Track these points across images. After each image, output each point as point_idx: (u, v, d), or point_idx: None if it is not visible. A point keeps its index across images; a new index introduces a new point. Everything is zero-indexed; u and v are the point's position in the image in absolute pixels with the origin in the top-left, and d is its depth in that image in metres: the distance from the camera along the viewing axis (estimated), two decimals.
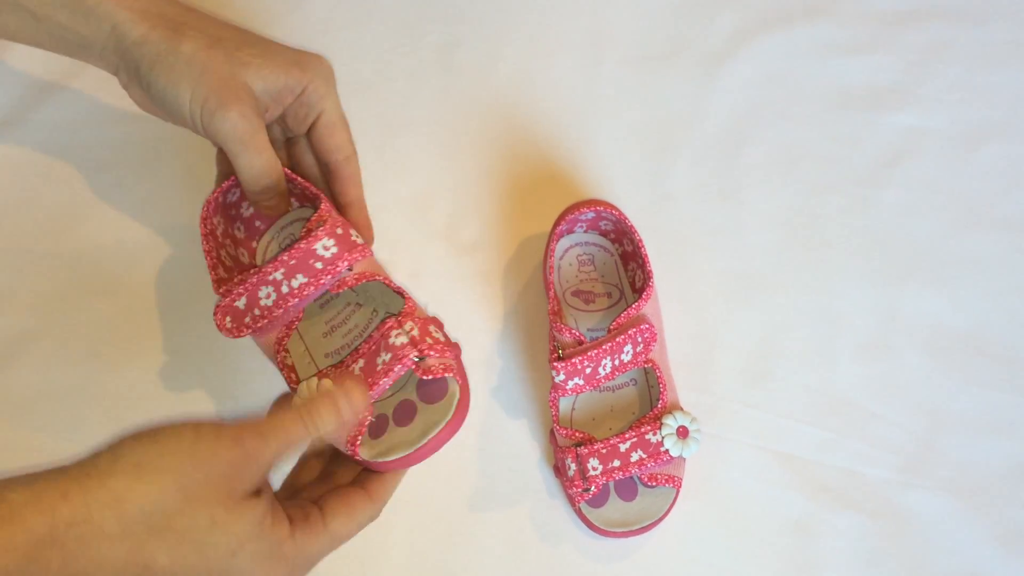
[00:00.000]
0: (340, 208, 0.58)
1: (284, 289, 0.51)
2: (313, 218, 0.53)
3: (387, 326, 0.52)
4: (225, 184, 0.55)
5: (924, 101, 0.74)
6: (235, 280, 0.53)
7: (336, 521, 0.47)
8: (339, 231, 0.53)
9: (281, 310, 0.52)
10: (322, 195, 0.55)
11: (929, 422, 0.66)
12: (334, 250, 0.52)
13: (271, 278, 0.51)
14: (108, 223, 0.67)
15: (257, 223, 0.60)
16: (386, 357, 0.51)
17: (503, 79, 0.73)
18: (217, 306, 0.52)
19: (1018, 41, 0.75)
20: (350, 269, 0.53)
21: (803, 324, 0.68)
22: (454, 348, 0.54)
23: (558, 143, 0.72)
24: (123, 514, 0.40)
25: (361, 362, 0.52)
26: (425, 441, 0.50)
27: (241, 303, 0.52)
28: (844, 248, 0.70)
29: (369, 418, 0.51)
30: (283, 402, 0.54)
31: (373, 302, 0.58)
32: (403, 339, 0.51)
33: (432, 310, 0.66)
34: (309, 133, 0.57)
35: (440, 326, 0.55)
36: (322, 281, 0.51)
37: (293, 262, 0.51)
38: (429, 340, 0.52)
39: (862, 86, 0.74)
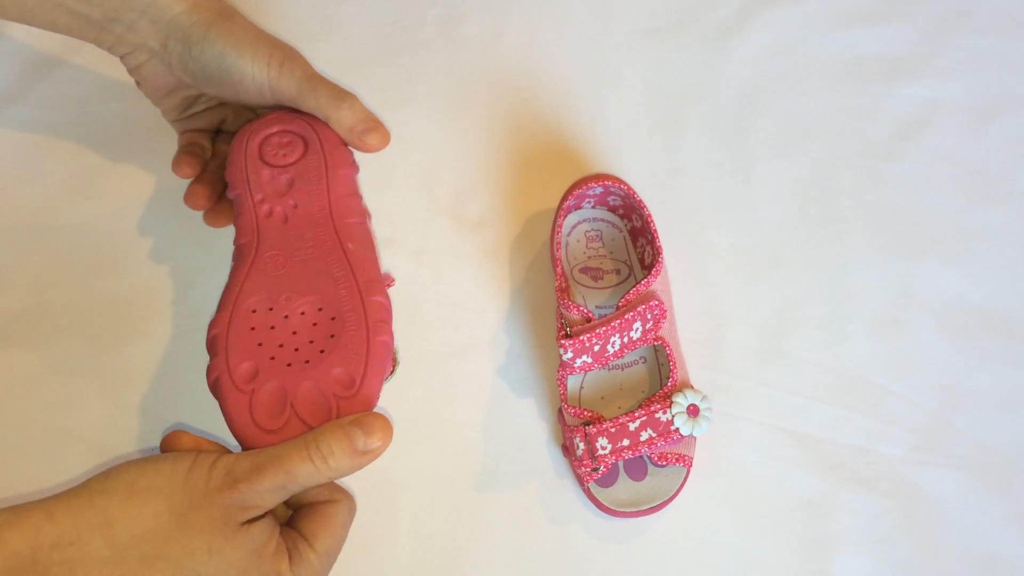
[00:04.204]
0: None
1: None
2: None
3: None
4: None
5: (939, 72, 0.73)
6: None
7: (322, 543, 0.44)
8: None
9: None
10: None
11: (944, 399, 0.65)
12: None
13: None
14: (108, 200, 0.67)
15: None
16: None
17: (508, 52, 0.72)
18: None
19: None
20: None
21: (816, 300, 0.67)
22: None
23: (565, 117, 0.71)
24: (114, 538, 0.39)
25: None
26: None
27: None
28: (858, 222, 0.69)
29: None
30: (174, 435, 0.48)
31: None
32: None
33: (438, 288, 0.66)
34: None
35: None
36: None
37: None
38: None
39: (876, 57, 0.73)
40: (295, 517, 0.45)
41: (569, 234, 0.67)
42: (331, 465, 0.43)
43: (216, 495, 0.41)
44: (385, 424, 0.44)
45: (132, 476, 0.40)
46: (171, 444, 0.45)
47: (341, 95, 0.54)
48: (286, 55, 0.54)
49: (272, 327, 0.48)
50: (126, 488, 0.40)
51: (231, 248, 0.66)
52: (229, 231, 0.66)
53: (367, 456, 0.44)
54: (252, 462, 0.42)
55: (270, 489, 0.42)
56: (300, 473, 0.42)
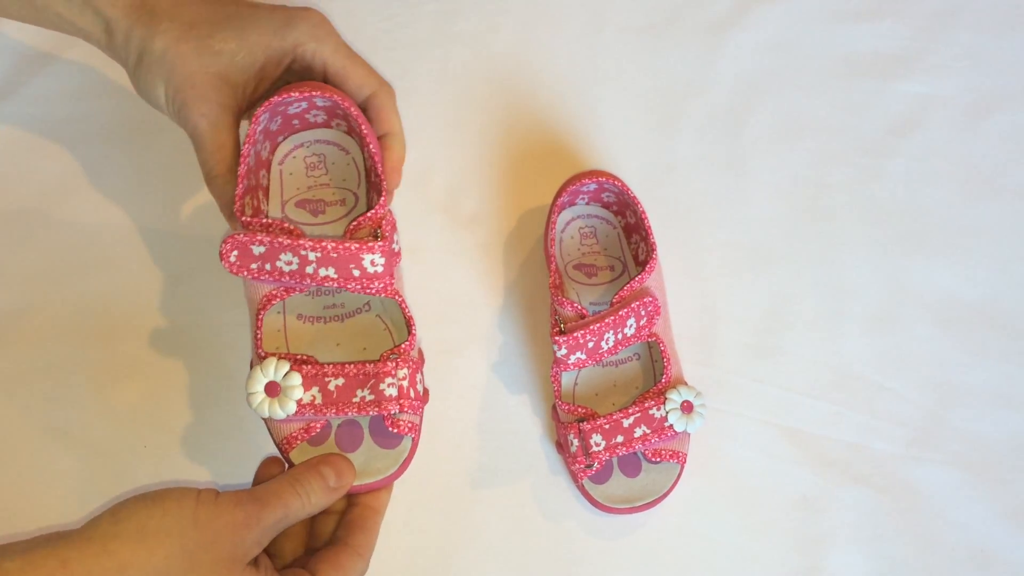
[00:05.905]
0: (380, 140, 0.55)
1: (308, 269, 0.49)
2: (372, 215, 0.51)
3: (385, 369, 0.51)
4: (287, 93, 0.51)
5: (932, 68, 0.73)
6: (263, 221, 0.49)
7: None
8: (395, 246, 0.52)
9: (292, 281, 0.50)
10: (384, 184, 0.52)
11: (938, 395, 0.65)
12: (379, 269, 0.49)
13: (303, 253, 0.49)
14: (101, 197, 0.66)
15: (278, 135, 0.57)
16: (367, 395, 0.50)
17: (503, 48, 0.72)
18: (231, 236, 0.49)
19: None
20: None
21: (810, 296, 0.67)
22: (424, 399, 0.53)
23: (559, 113, 0.70)
24: None
25: (340, 381, 0.51)
26: (359, 483, 0.50)
27: (257, 250, 0.49)
28: (852, 219, 0.69)
29: (316, 428, 0.51)
30: (270, 464, 0.52)
31: (374, 301, 0.56)
32: (393, 391, 0.50)
33: (432, 285, 0.65)
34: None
35: (422, 365, 0.55)
36: (349, 286, 0.49)
37: (334, 255, 0.49)
38: (412, 394, 0.51)
39: (869, 53, 0.73)
40: (310, 561, 0.48)
41: (563, 231, 0.66)
42: (312, 501, 0.47)
43: (230, 533, 0.43)
44: (349, 467, 0.50)
45: (142, 518, 0.41)
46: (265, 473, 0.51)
47: (209, 175, 0.51)
48: (184, 101, 0.49)
49: None
50: (138, 531, 0.41)
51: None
52: (219, 233, 0.66)
53: (337, 492, 0.49)
54: (253, 496, 0.45)
55: (272, 525, 0.45)
56: (293, 508, 0.46)
